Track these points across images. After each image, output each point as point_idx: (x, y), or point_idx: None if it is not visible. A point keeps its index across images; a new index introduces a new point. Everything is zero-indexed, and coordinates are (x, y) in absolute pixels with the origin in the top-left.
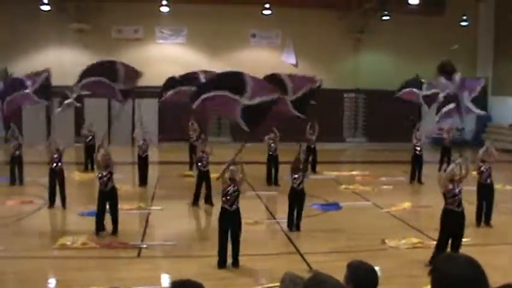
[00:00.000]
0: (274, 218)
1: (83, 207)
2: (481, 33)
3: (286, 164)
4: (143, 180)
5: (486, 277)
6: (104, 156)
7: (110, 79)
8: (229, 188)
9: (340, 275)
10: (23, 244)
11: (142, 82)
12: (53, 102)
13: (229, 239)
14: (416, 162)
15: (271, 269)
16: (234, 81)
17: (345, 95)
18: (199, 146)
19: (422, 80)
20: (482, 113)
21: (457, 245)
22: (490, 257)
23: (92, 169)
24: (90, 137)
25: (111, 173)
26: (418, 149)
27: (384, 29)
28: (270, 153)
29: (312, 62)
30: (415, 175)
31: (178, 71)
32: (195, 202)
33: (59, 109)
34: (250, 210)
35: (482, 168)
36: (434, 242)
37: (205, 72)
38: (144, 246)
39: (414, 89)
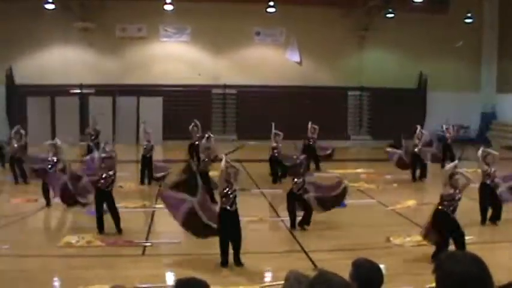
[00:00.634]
0: (279, 216)
1: (88, 206)
2: (485, 31)
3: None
4: (143, 179)
5: (490, 274)
6: (109, 158)
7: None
8: (226, 189)
9: (345, 273)
10: (28, 242)
11: (146, 80)
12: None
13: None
14: (417, 161)
15: (276, 267)
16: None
17: (349, 93)
18: (201, 146)
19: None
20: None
21: (461, 243)
22: (494, 254)
23: None
24: (94, 137)
25: (114, 174)
26: (417, 149)
27: (388, 27)
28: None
29: (316, 60)
30: (416, 174)
31: (182, 69)
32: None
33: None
34: (255, 207)
35: (488, 170)
36: None
37: None
38: (149, 244)
39: None
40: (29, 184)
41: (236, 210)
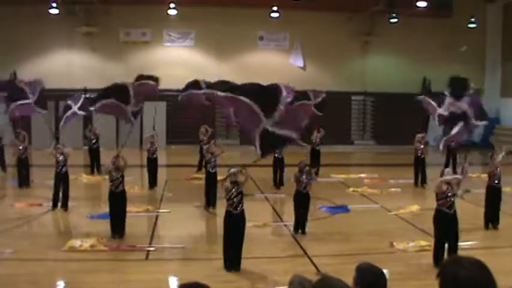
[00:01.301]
0: (282, 221)
1: (91, 210)
2: (489, 35)
3: (291, 167)
4: (154, 183)
5: (494, 280)
6: (116, 160)
7: (123, 101)
8: (232, 191)
9: (348, 278)
10: (32, 246)
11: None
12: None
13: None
14: (419, 165)
15: (279, 271)
16: (268, 97)
17: (353, 98)
18: (209, 147)
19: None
20: (484, 123)
21: (453, 248)
22: (497, 259)
23: (98, 172)
24: (94, 140)
25: (122, 177)
26: (420, 151)
27: (391, 32)
28: (276, 155)
29: (320, 65)
30: (418, 178)
31: (186, 74)
32: (208, 204)
33: (62, 123)
34: (259, 212)
35: (494, 171)
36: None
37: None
38: (152, 248)
39: (434, 104)
40: (32, 188)
41: (242, 213)
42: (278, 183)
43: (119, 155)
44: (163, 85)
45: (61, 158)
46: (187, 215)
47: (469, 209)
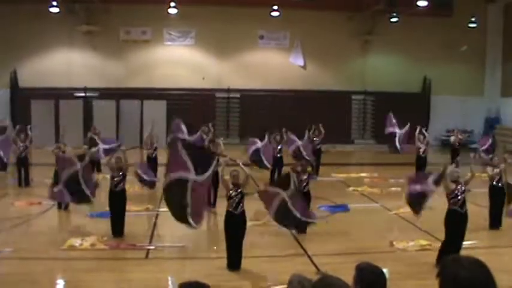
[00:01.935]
0: None
1: (91, 209)
2: (489, 35)
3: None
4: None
5: (494, 279)
6: (117, 159)
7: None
8: (231, 191)
9: (348, 277)
10: (31, 245)
11: (150, 84)
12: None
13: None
14: (421, 164)
15: (279, 270)
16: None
17: (353, 97)
18: (212, 147)
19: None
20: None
21: (458, 247)
22: (498, 259)
23: (98, 171)
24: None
25: (124, 176)
26: (421, 151)
27: (392, 31)
28: (275, 154)
29: (320, 64)
30: None
31: (186, 73)
32: (208, 203)
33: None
34: (258, 211)
35: (496, 171)
36: None
37: None
38: (152, 247)
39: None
40: (31, 187)
41: (242, 213)
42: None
43: (119, 156)
44: (163, 84)
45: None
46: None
47: (469, 209)
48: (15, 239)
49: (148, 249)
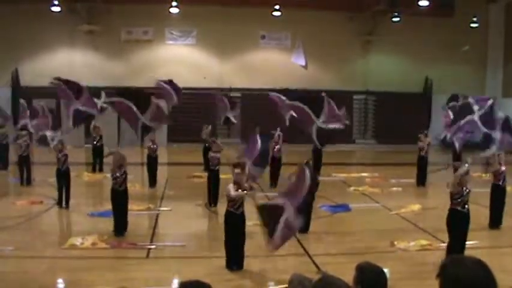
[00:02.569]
0: None
1: (92, 208)
2: (491, 35)
3: (289, 165)
4: (154, 181)
5: (495, 279)
6: (118, 156)
7: (140, 110)
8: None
9: (348, 277)
10: (33, 244)
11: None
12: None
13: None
14: (422, 165)
15: (280, 270)
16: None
17: (355, 97)
18: (213, 147)
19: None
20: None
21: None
22: (498, 259)
23: (100, 170)
24: (98, 138)
25: (125, 174)
26: (423, 151)
27: (393, 31)
28: (276, 154)
29: (322, 64)
30: (421, 177)
31: (187, 72)
32: (209, 202)
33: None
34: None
35: (498, 171)
36: (444, 244)
37: None
38: (153, 247)
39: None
40: (33, 186)
41: (242, 213)
42: (274, 182)
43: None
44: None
45: (61, 155)
46: (188, 213)
47: (469, 209)
48: (17, 237)
49: (149, 249)
